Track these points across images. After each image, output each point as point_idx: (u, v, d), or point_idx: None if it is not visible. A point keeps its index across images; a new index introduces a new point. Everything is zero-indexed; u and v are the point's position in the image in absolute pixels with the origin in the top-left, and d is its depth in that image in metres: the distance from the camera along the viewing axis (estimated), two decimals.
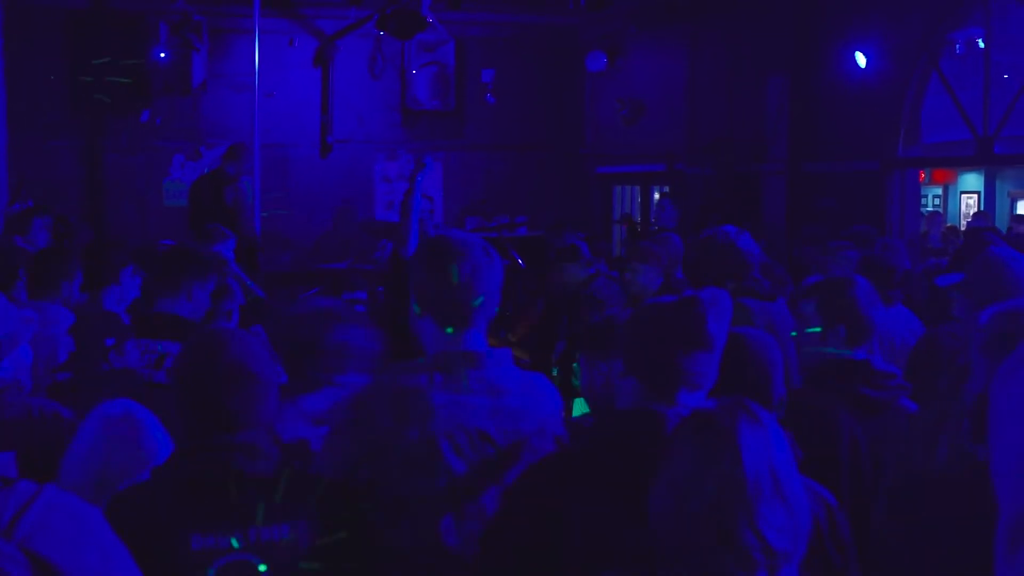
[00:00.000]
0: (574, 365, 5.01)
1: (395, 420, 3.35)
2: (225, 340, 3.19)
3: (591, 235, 12.76)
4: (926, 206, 19.01)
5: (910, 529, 3.11)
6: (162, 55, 15.11)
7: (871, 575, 3.27)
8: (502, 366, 3.51)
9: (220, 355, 3.12)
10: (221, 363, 3.11)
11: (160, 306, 5.45)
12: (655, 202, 16.79)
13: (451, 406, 3.37)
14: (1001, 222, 18.37)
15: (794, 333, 4.66)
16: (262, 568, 3.00)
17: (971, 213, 18.71)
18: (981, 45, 12.78)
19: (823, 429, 3.93)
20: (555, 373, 6.81)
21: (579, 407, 5.13)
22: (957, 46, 13.53)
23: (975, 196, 20.60)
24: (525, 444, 3.45)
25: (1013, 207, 20.24)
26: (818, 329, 4.43)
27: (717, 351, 3.08)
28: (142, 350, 5.24)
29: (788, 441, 2.71)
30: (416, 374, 3.43)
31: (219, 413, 3.10)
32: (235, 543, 2.99)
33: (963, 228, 16.69)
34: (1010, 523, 1.95)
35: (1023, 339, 2.55)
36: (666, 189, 16.19)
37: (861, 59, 12.94)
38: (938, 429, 3.69)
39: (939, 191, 20.79)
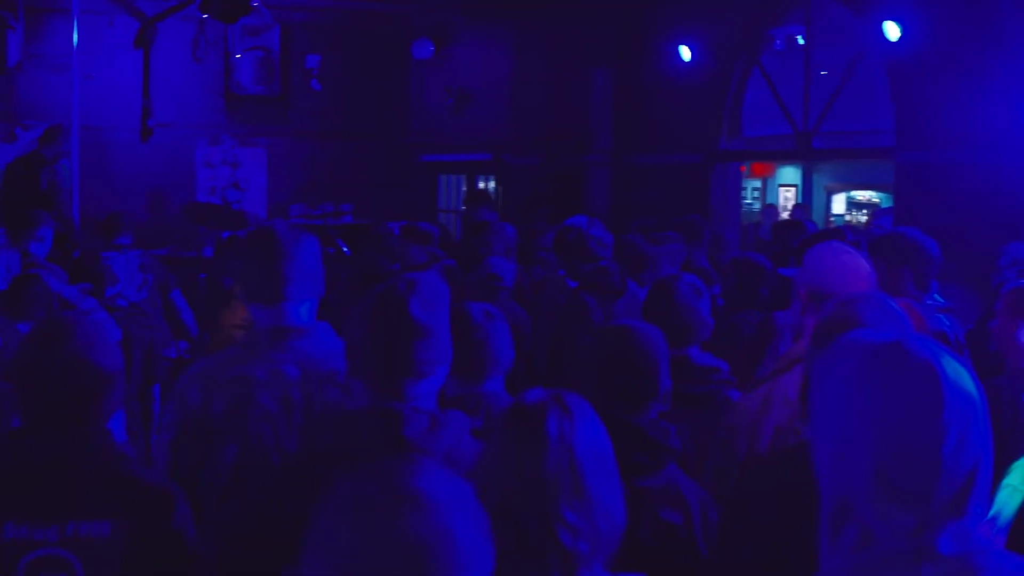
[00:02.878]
0: None
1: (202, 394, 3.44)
2: (68, 331, 3.10)
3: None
4: (746, 198, 19.43)
5: (738, 507, 3.12)
6: None
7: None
8: (317, 337, 3.55)
9: (60, 347, 3.04)
10: (60, 355, 3.03)
11: None
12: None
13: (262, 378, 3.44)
14: (818, 215, 18.93)
15: None
16: (76, 565, 2.89)
17: (790, 206, 19.20)
18: (801, 42, 13.09)
19: None
20: None
21: None
22: (778, 42, 13.85)
23: (793, 189, 21.14)
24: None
25: (829, 200, 20.83)
26: None
27: (437, 335, 2.94)
28: None
29: (606, 436, 2.62)
30: (225, 352, 3.61)
31: (53, 405, 3.02)
32: (49, 536, 2.89)
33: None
34: (831, 510, 2.01)
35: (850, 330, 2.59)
36: (491, 179, 16.21)
37: (685, 53, 13.13)
38: (761, 416, 3.72)
39: (758, 183, 21.27)
